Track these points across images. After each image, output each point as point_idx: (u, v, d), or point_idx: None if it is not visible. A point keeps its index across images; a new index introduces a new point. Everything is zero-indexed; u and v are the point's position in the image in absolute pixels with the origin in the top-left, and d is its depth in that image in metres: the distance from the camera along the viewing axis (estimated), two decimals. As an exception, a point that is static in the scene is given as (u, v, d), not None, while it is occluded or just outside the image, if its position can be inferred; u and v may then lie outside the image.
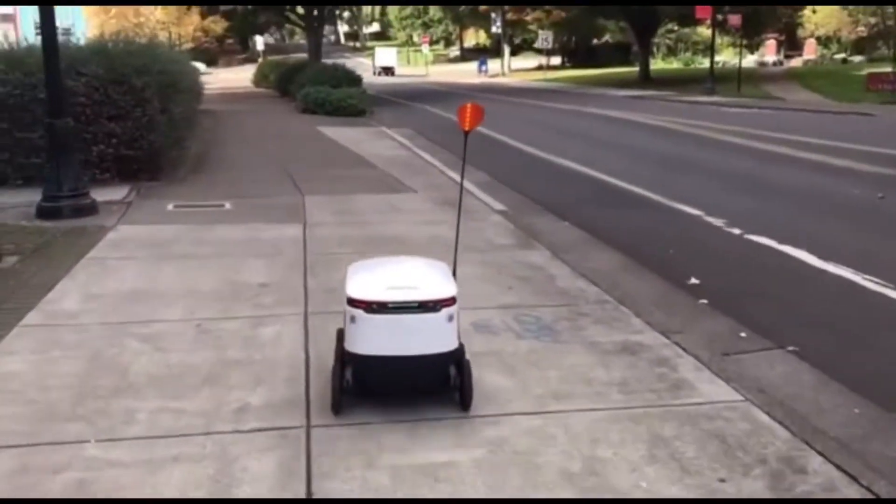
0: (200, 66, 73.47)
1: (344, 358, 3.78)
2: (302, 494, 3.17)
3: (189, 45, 45.96)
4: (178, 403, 3.96)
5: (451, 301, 3.73)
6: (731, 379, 4.36)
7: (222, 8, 33.94)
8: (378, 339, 3.66)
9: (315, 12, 34.01)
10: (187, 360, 4.50)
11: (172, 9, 37.18)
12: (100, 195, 9.34)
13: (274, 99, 33.59)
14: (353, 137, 17.68)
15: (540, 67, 59.80)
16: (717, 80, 35.27)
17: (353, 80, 30.31)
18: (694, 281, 6.68)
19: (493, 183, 11.64)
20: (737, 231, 8.53)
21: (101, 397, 4.02)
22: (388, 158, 13.85)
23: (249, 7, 34.11)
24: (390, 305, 3.64)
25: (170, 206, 8.95)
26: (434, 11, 74.60)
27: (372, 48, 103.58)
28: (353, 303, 3.68)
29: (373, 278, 3.85)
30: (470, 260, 6.67)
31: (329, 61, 34.22)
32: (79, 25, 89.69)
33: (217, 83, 55.36)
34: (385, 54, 67.96)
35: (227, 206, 9.08)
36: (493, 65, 61.31)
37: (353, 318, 3.68)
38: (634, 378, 4.35)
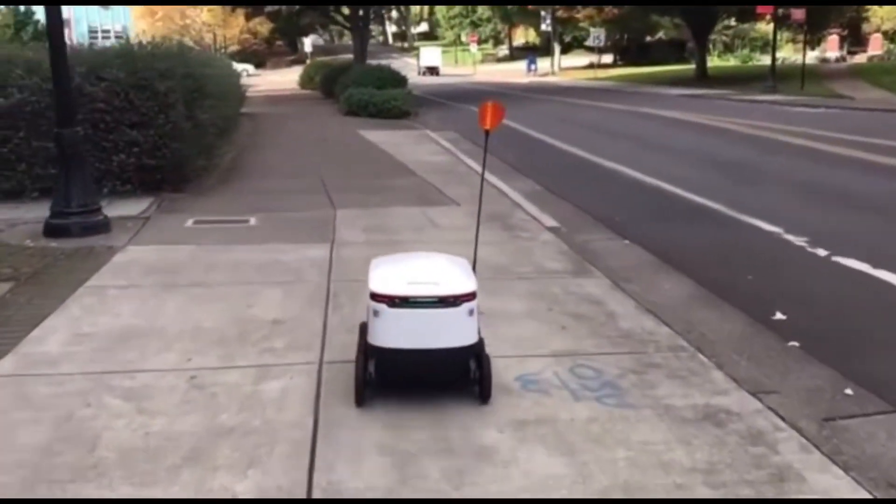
0: (248, 68, 74.15)
1: (367, 351, 3.87)
2: None
3: (235, 48, 45.88)
4: (147, 492, 3.17)
5: (470, 296, 3.81)
6: (849, 465, 3.41)
7: (267, 9, 33.41)
8: (400, 332, 3.77)
9: (360, 12, 33.36)
10: (171, 427, 3.70)
11: (218, 11, 36.91)
12: (118, 209, 8.69)
13: (318, 101, 33.06)
14: (394, 141, 16.90)
15: (591, 66, 58.39)
16: (777, 77, 33.73)
17: (398, 81, 29.59)
18: (779, 316, 5.69)
19: (543, 193, 10.74)
20: (821, 252, 7.48)
21: (56, 482, 3.25)
22: (429, 165, 13.02)
23: (294, 8, 33.58)
24: (412, 300, 3.74)
25: (189, 222, 8.23)
26: (482, 10, 73.58)
27: (419, 48, 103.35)
28: (376, 297, 3.79)
29: (395, 273, 3.94)
30: (517, 291, 5.79)
31: (375, 62, 33.57)
32: (81, 22, 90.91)
33: (264, 85, 55.30)
34: (430, 54, 67.99)
35: (252, 221, 8.33)
36: (543, 63, 60.09)
37: (375, 312, 3.79)
38: (724, 462, 3.42)
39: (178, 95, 9.80)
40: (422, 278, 3.86)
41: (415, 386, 3.99)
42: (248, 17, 34.11)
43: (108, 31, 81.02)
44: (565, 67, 61.39)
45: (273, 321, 5.09)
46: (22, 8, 71.61)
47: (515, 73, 61.15)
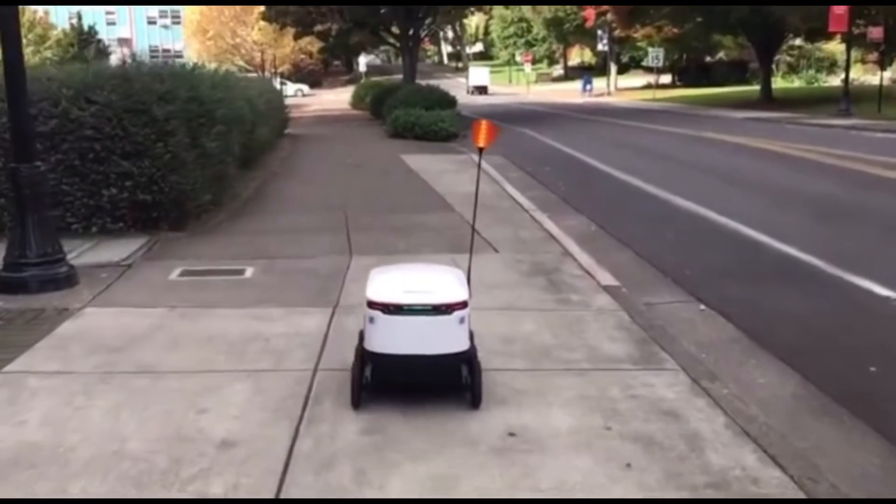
0: (303, 87, 74.10)
1: (363, 356, 4.04)
2: None
3: (285, 67, 45.34)
4: None
5: (462, 305, 3.98)
6: None
7: (316, 28, 32.53)
8: (394, 338, 3.94)
9: (410, 32, 32.28)
10: None
11: (269, 30, 36.25)
12: (101, 253, 7.49)
13: (366, 122, 32.00)
14: (435, 168, 15.56)
15: (648, 86, 56.46)
16: (849, 99, 31.52)
17: (447, 102, 28.37)
18: (930, 438, 4.11)
19: (598, 234, 9.24)
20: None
21: None
22: (469, 197, 11.58)
23: (343, 27, 32.67)
24: (406, 308, 3.93)
25: (175, 273, 6.93)
26: (538, 30, 72.22)
27: (469, 68, 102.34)
28: (372, 305, 3.96)
29: (391, 282, 4.11)
30: (563, 393, 4.31)
31: (427, 82, 32.45)
32: (142, 42, 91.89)
33: (317, 105, 54.82)
34: (478, 74, 68.50)
35: (248, 272, 7.00)
36: (598, 83, 58.42)
37: (371, 319, 3.96)
38: None
39: (180, 122, 8.58)
40: (416, 287, 4.02)
41: (409, 391, 4.12)
42: (296, 37, 33.16)
43: (168, 51, 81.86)
44: (622, 88, 59.60)
45: (221, 443, 3.69)
46: (86, 27, 72.67)
47: (570, 93, 59.56)
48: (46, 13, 69.35)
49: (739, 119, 31.29)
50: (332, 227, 9.24)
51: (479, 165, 5.27)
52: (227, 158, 10.01)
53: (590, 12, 55.53)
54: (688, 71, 61.71)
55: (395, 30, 34.14)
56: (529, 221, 9.82)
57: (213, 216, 9.61)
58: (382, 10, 32.74)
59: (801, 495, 3.28)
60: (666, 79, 59.90)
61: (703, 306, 6.36)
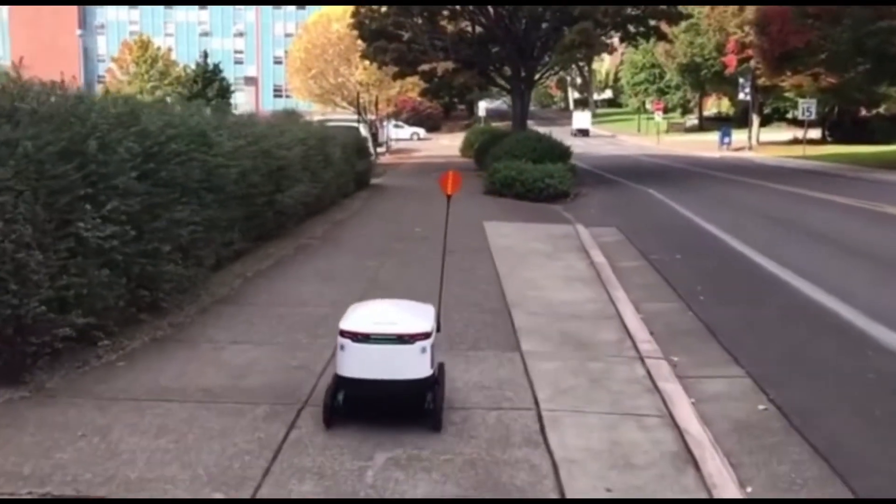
0: (419, 131, 71.75)
1: (336, 382, 4.52)
2: None
3: (390, 110, 42.48)
4: None
5: (423, 336, 4.44)
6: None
7: (420, 68, 29.24)
8: (361, 364, 4.40)
9: (522, 73, 28.52)
10: None
11: (373, 70, 33.39)
12: None
13: (467, 172, 28.23)
14: (522, 246, 11.51)
15: (795, 141, 50.42)
16: None
17: (560, 153, 24.32)
18: None
19: (792, 444, 4.90)
20: None
21: None
22: (555, 310, 7.51)
23: (448, 68, 29.21)
24: (372, 336, 4.40)
25: None
26: (671, 76, 67.18)
27: (604, 115, 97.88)
28: (343, 333, 4.45)
29: (362, 314, 4.60)
30: None
31: (547, 130, 28.53)
32: (267, 81, 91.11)
33: (426, 151, 51.94)
34: (580, 117, 76.74)
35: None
36: (738, 136, 52.81)
37: (342, 347, 4.46)
38: None
39: (42, 192, 4.92)
40: (383, 319, 4.50)
41: (376, 414, 4.52)
42: (395, 77, 30.01)
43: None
44: (764, 142, 53.68)
45: None
46: (210, 65, 73.09)
47: (705, 145, 54.12)
48: (170, 49, 70.16)
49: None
50: (282, 391, 5.31)
51: (446, 217, 5.49)
52: (160, 248, 6.27)
53: (731, 58, 50.31)
54: (840, 125, 55.10)
55: (507, 71, 30.47)
56: (643, 391, 5.56)
57: (115, 347, 5.87)
58: (494, 49, 29.15)
59: None
60: (814, 133, 53.62)
61: None
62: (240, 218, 9.13)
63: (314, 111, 52.29)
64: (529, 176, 20.18)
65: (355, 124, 36.23)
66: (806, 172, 30.80)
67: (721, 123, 64.85)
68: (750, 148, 50.84)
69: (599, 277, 9.48)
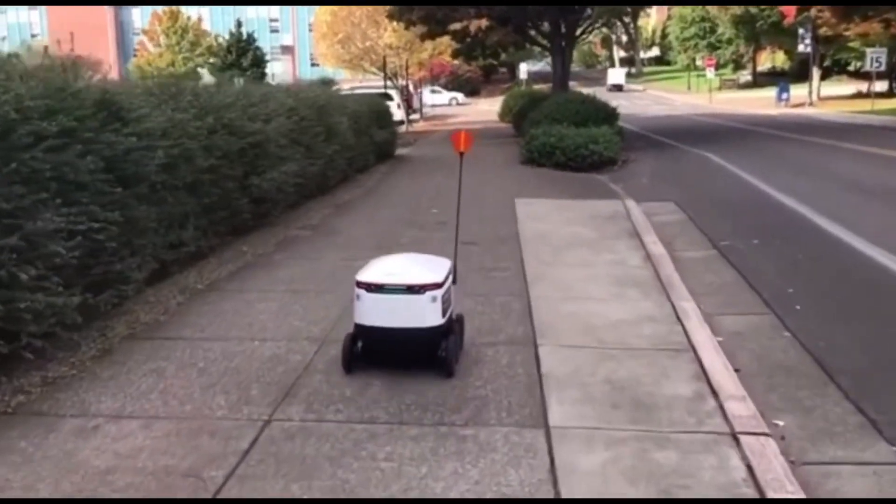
0: (458, 96, 69.17)
1: (354, 330, 4.75)
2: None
3: (423, 74, 40.04)
4: None
5: (434, 286, 4.58)
6: None
7: (451, 27, 26.86)
8: (375, 312, 4.63)
9: (562, 29, 25.94)
10: None
11: (403, 32, 31.05)
12: None
13: (504, 140, 25.96)
14: (558, 234, 9.31)
15: (859, 95, 46.88)
16: None
17: (606, 115, 21.84)
18: None
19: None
20: None
21: None
22: (600, 338, 5.36)
23: (482, 25, 26.78)
24: (385, 287, 4.61)
25: None
26: (723, 30, 63.27)
27: (651, 73, 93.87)
28: (359, 284, 4.68)
29: (377, 267, 4.84)
30: None
31: (591, 90, 25.98)
32: (304, 50, 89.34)
33: (464, 116, 49.44)
34: (615, 74, 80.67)
35: None
36: (796, 91, 49.25)
37: (358, 297, 4.69)
38: None
39: None
40: (395, 271, 4.74)
41: (392, 361, 4.70)
42: (423, 38, 27.67)
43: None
44: (825, 97, 50.05)
45: None
46: (244, 34, 71.40)
47: (761, 102, 50.68)
48: (200, 19, 68.50)
49: None
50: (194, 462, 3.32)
51: (459, 172, 5.81)
52: (18, 274, 4.26)
53: (789, 7, 46.65)
54: (909, 76, 51.10)
55: (546, 27, 27.90)
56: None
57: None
58: (532, 3, 26.56)
59: None
60: (880, 86, 49.77)
61: None
62: (194, 212, 7.12)
63: (344, 79, 50.25)
64: (571, 142, 17.86)
65: (384, 90, 34.17)
66: (881, 129, 27.75)
67: (776, 78, 61.08)
68: (810, 103, 47.33)
69: (658, 277, 7.27)
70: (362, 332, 4.71)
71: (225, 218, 8.03)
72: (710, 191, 13.92)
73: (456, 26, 27.70)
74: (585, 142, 17.99)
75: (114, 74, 65.71)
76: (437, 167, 17.84)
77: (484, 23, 27.41)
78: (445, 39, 30.52)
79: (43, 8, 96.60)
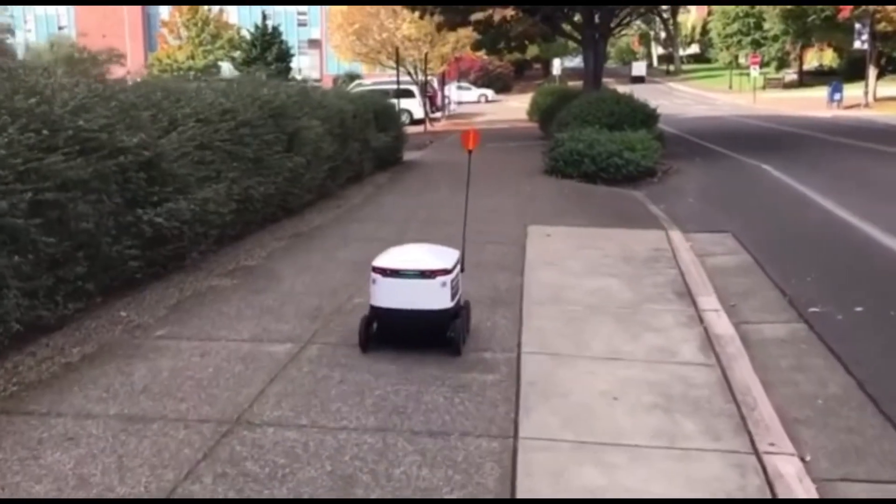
0: (487, 93, 66.40)
1: (370, 312, 5.12)
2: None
3: (444, 69, 37.29)
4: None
5: (443, 272, 4.99)
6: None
7: (473, 17, 24.26)
8: (389, 295, 5.01)
9: (595, 20, 23.12)
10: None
11: (423, 23, 28.46)
12: None
13: (529, 142, 23.24)
14: (577, 290, 6.63)
15: (920, 96, 43.41)
16: None
17: (644, 117, 19.08)
18: None
19: None
20: None
21: None
22: None
23: (507, 15, 24.14)
24: (399, 272, 5.00)
25: None
26: (772, 24, 59.63)
27: (690, 71, 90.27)
28: (375, 269, 5.06)
29: (392, 255, 5.21)
30: None
31: (628, 88, 23.10)
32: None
33: (491, 115, 46.66)
34: (637, 66, 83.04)
35: None
36: (849, 91, 45.73)
37: (374, 281, 5.06)
38: None
39: None
40: (409, 258, 5.12)
41: (405, 340, 5.05)
42: (439, 28, 25.04)
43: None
44: (882, 97, 46.50)
45: None
46: (270, 27, 69.29)
47: (810, 103, 47.21)
48: (222, 11, 66.48)
49: None
50: None
51: (468, 172, 6.02)
52: None
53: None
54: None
55: (578, 17, 25.12)
56: None
57: None
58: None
59: None
60: (942, 86, 46.05)
61: None
62: (22, 271, 4.59)
63: (368, 74, 47.66)
64: (602, 149, 15.16)
65: (404, 86, 31.59)
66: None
67: (823, 77, 57.57)
68: (866, 104, 43.84)
69: (730, 388, 4.59)
70: (378, 313, 5.05)
71: (90, 273, 5.49)
72: (775, 217, 11.13)
73: (478, 16, 25.09)
74: (620, 149, 15.29)
75: (137, 67, 63.89)
76: (443, 177, 15.21)
77: (509, 12, 24.78)
78: (471, 32, 27.89)
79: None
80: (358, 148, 13.53)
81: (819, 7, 47.42)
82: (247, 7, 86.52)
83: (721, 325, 5.88)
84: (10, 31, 66.53)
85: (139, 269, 6.14)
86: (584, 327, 5.75)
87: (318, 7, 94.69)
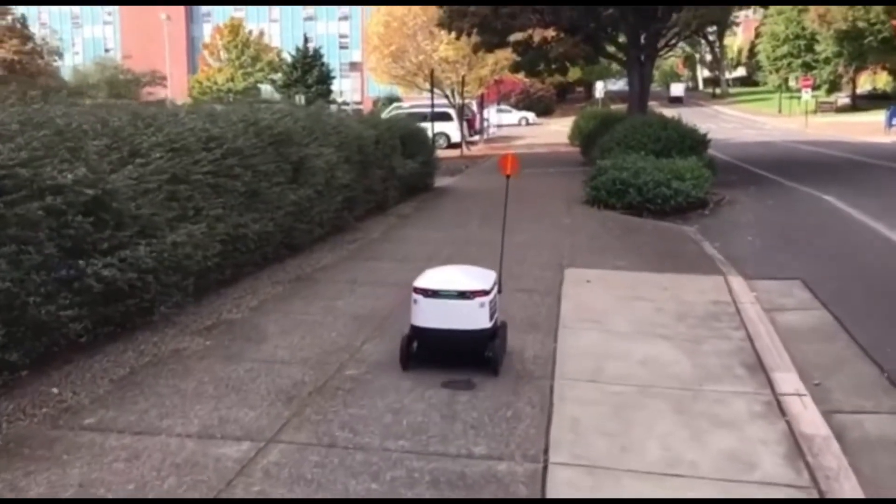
0: (528, 116, 65.22)
1: (410, 331, 5.26)
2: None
3: (482, 91, 36.20)
4: None
5: (482, 293, 5.12)
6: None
7: (511, 38, 23.19)
8: (430, 315, 5.15)
9: (642, 40, 21.84)
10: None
11: (460, 45, 27.46)
12: None
13: (571, 168, 21.99)
14: (622, 361, 5.34)
15: (984, 121, 41.11)
16: None
17: (694, 143, 17.76)
18: None
19: None
20: None
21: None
22: None
23: (548, 36, 23.00)
24: (440, 293, 5.14)
25: None
26: (824, 46, 57.58)
27: (737, 94, 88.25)
28: (416, 290, 5.20)
29: (433, 276, 5.34)
30: None
31: (675, 112, 21.81)
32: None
33: (531, 138, 45.47)
34: (676, 87, 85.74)
35: None
36: (908, 116, 43.52)
37: (415, 301, 5.20)
38: None
39: None
40: (449, 280, 5.25)
41: (445, 359, 5.18)
42: (475, 49, 23.94)
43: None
44: (942, 122, 44.16)
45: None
46: (311, 49, 69.09)
47: (865, 128, 45.14)
48: (262, 33, 66.43)
49: None
50: None
51: (506, 195, 6.19)
52: None
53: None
54: None
55: (622, 39, 23.87)
56: None
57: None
58: (607, 11, 22.55)
59: None
60: None
61: None
62: None
63: (407, 97, 46.81)
64: (649, 178, 13.87)
65: (442, 110, 30.59)
66: None
67: (877, 101, 55.32)
68: (927, 130, 41.66)
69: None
70: (418, 332, 5.21)
71: (12, 341, 4.39)
72: (849, 260, 9.70)
73: (517, 36, 23.98)
74: (668, 178, 13.99)
75: (180, 89, 63.84)
76: (475, 206, 14.03)
77: (550, 33, 23.61)
78: (505, 52, 26.78)
79: (116, 23, 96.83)
80: (381, 175, 12.43)
81: (876, 28, 45.44)
82: (289, 30, 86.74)
83: (808, 417, 4.57)
84: (59, 54, 67.23)
85: (85, 332, 5.01)
86: (632, 419, 4.48)
87: (360, 29, 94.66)
